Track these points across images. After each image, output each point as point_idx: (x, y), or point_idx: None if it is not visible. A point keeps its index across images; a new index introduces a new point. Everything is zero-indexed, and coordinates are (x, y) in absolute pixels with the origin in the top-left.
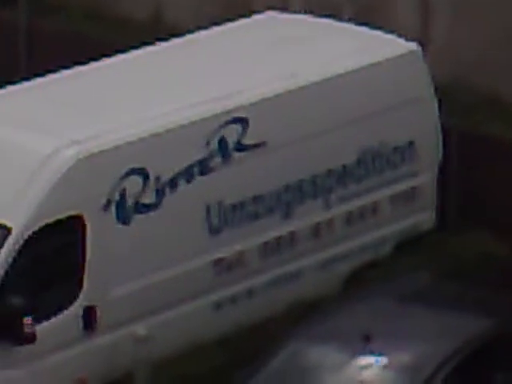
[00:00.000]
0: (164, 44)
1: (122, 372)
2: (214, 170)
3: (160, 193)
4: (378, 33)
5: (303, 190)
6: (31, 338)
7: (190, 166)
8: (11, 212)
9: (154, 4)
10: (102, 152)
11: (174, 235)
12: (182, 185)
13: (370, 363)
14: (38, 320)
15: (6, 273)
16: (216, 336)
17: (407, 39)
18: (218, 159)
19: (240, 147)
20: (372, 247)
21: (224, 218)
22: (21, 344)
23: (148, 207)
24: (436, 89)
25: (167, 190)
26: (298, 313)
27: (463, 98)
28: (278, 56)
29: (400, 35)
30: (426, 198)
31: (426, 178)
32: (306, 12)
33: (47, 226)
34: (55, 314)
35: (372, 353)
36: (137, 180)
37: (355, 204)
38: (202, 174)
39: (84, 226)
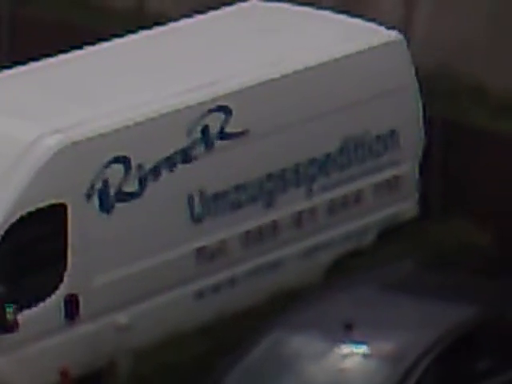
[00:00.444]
0: (147, 32)
1: (104, 360)
2: (197, 159)
3: (142, 181)
4: (361, 21)
5: (286, 178)
6: (14, 326)
7: (173, 155)
8: None
9: None
10: (84, 140)
11: (156, 224)
12: (165, 173)
13: (352, 352)
14: (20, 308)
15: None
16: (198, 324)
17: (390, 28)
18: (200, 148)
19: (222, 136)
20: (355, 236)
21: (206, 206)
22: (3, 332)
23: (130, 196)
24: (419, 77)
25: (150, 178)
26: (281, 301)
27: (446, 87)
28: (261, 44)
29: (383, 24)
30: (409, 187)
31: (408, 167)
32: (289, 0)
33: (29, 214)
34: (37, 302)
35: (354, 341)
36: (119, 168)
37: (338, 193)
38: (184, 162)
39: (66, 215)
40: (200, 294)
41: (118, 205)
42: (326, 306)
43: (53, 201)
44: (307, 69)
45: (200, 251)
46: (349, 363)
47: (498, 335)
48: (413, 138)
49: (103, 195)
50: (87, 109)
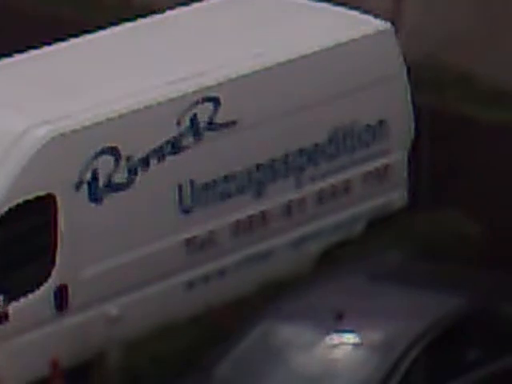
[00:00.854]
0: (135, 23)
1: (94, 351)
2: (186, 149)
3: (132, 172)
4: (350, 12)
5: (275, 168)
6: (3, 318)
7: (162, 145)
8: None
9: None
10: (73, 131)
11: (145, 214)
12: (154, 164)
13: (342, 341)
14: (9, 300)
15: None
16: (188, 315)
17: (379, 18)
18: (189, 138)
19: (211, 126)
20: (344, 226)
21: (195, 197)
22: None
23: (120, 186)
24: (408, 67)
25: (139, 169)
26: (270, 291)
27: (435, 77)
28: (250, 35)
29: (372, 14)
30: (398, 177)
31: (397, 157)
32: None
33: (19, 205)
34: (27, 293)
35: (343, 331)
36: (108, 159)
37: (327, 183)
38: (173, 153)
39: (56, 206)
40: (190, 285)
41: (108, 195)
42: (315, 296)
43: (42, 192)
44: (295, 59)
45: (190, 241)
46: (338, 353)
47: (486, 325)
48: (402, 127)
49: (92, 186)
50: (76, 100)
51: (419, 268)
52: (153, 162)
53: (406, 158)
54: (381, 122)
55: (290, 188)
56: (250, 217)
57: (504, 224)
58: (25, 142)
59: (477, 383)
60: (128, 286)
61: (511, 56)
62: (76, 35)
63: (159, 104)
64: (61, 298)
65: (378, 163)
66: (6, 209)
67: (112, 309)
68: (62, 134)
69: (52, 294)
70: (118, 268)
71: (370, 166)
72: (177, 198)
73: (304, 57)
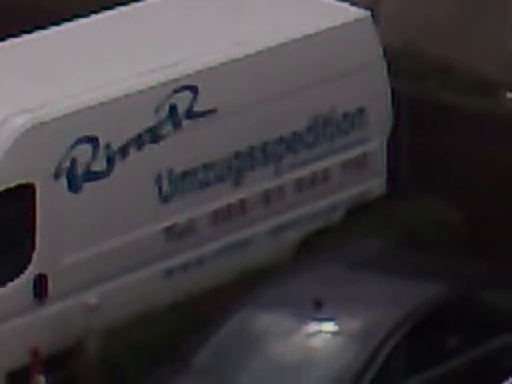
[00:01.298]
0: (114, 12)
1: (73, 340)
2: (165, 138)
3: (110, 161)
4: (329, 0)
5: (254, 157)
6: None
7: (141, 134)
8: None
9: None
10: (52, 120)
11: (124, 203)
12: (133, 152)
13: (321, 329)
14: None
15: None
16: (167, 303)
17: (358, 6)
18: (168, 127)
19: (190, 114)
20: (323, 214)
21: (175, 185)
22: None
23: (98, 175)
24: (387, 55)
25: (118, 157)
26: (249, 280)
27: (414, 65)
28: (229, 23)
29: (351, 2)
30: (377, 165)
31: (376, 145)
32: None
33: None
34: (6, 282)
35: (322, 319)
36: (87, 148)
37: (306, 171)
38: (152, 141)
39: (34, 195)
40: (169, 273)
41: (87, 184)
42: (294, 284)
43: (21, 181)
44: (274, 47)
45: (168, 230)
46: (317, 341)
47: (466, 313)
48: (381, 115)
49: (71, 175)
50: (54, 89)
51: (398, 256)
52: (132, 150)
53: (385, 146)
54: (360, 110)
55: (268, 176)
56: (229, 205)
57: (484, 212)
58: (4, 131)
59: (457, 370)
60: (107, 274)
61: (491, 44)
62: (53, 24)
63: (138, 92)
64: (40, 286)
65: (357, 151)
66: None
67: (91, 297)
68: (41, 123)
69: (31, 283)
70: (97, 257)
71: (349, 154)
72: (156, 186)
73: (282, 45)
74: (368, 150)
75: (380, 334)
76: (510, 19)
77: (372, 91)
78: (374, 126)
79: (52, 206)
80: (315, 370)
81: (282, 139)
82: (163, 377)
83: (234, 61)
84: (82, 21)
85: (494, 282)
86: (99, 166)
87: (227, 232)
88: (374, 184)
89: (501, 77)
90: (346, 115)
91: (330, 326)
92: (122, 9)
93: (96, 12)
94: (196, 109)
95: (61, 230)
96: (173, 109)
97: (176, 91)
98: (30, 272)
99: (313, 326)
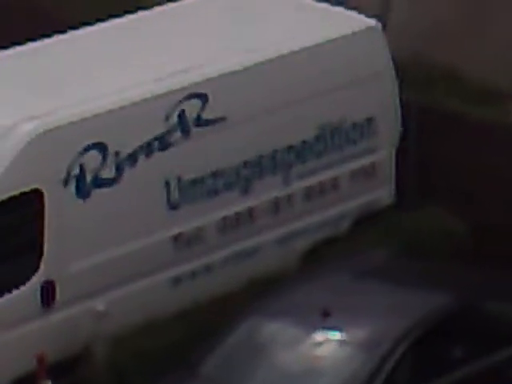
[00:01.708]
0: (123, 19)
1: (80, 347)
2: (174, 145)
3: (119, 168)
4: (338, 9)
5: (262, 165)
6: None
7: (150, 141)
8: None
9: None
10: (61, 127)
11: (133, 210)
12: (142, 160)
13: (328, 339)
14: None
15: None
16: (175, 311)
17: (367, 15)
18: (177, 134)
19: (199, 122)
20: (331, 223)
21: (183, 193)
22: None
23: (107, 182)
24: (395, 64)
25: (126, 164)
26: (257, 288)
27: (422, 74)
28: (240, 31)
29: (360, 11)
30: (385, 174)
31: (385, 154)
32: None
33: (5, 200)
34: (14, 288)
35: (330, 328)
36: (96, 155)
37: (314, 180)
38: (161, 149)
39: (43, 201)
40: (177, 281)
41: (95, 191)
42: (302, 293)
43: (29, 187)
44: (283, 56)
45: (177, 238)
46: (324, 350)
47: (472, 323)
48: (390, 125)
49: (80, 181)
50: (63, 95)
51: (405, 265)
52: (140, 157)
53: (393, 156)
54: (369, 120)
55: (277, 185)
56: (237, 213)
57: (490, 221)
58: (13, 137)
59: (463, 381)
60: (115, 281)
61: (499, 53)
62: (60, 32)
63: (147, 100)
64: (47, 293)
65: (366, 160)
66: None
67: (99, 304)
68: (50, 130)
69: (39, 290)
70: (104, 264)
71: (358, 164)
72: (164, 194)
73: (292, 54)
74: (376, 160)
75: (387, 343)
76: None
77: (381, 101)
78: (382, 135)
79: (60, 212)
80: (322, 379)
81: (290, 148)
82: None
83: (244, 69)
84: (91, 28)
85: (499, 292)
86: (108, 173)
87: (235, 240)
88: (382, 193)
89: (510, 86)
90: (354, 124)
91: (336, 336)
92: (132, 16)
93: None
94: (205, 117)
95: (69, 237)
96: (182, 116)
97: (185, 99)
98: (38, 278)
99: (320, 336)
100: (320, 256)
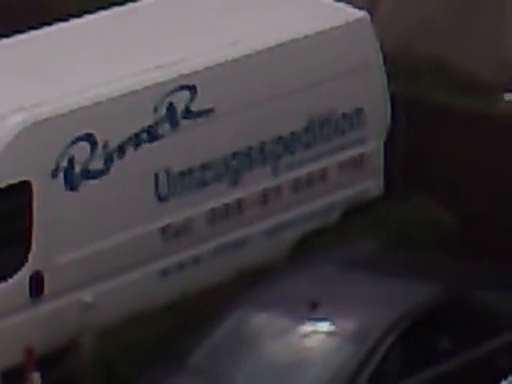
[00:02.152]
0: (112, 11)
1: (68, 339)
2: (162, 137)
3: (108, 159)
4: (327, 0)
5: (251, 156)
6: None
7: (138, 133)
8: None
9: None
10: (50, 118)
11: (121, 202)
12: (130, 151)
13: (316, 330)
14: None
15: None
16: (163, 302)
17: (355, 7)
18: (166, 126)
19: (188, 114)
20: (320, 214)
21: (172, 184)
22: None
23: (96, 173)
24: (384, 56)
25: (115, 156)
26: (246, 279)
27: (410, 66)
28: (227, 23)
29: (349, 3)
30: (374, 165)
31: (373, 145)
32: None
33: None
34: (2, 280)
35: (318, 319)
36: (85, 146)
37: (303, 171)
38: (150, 140)
39: (32, 193)
40: (165, 272)
41: (84, 183)
42: (290, 284)
43: (18, 179)
44: (272, 47)
45: (165, 229)
46: (313, 341)
47: (461, 313)
48: (378, 116)
49: (69, 173)
50: (52, 87)
51: (393, 257)
52: (129, 149)
53: (382, 147)
54: (357, 111)
55: (266, 176)
56: (226, 205)
57: (478, 212)
58: (1, 129)
59: (452, 371)
60: (103, 273)
61: (485, 44)
62: (48, 24)
63: (136, 92)
64: (36, 284)
65: (355, 152)
66: None
67: (87, 296)
68: (39, 121)
69: (27, 281)
70: (93, 255)
71: (347, 155)
72: (153, 185)
73: (280, 45)
74: (365, 151)
75: (375, 334)
76: (505, 19)
77: (370, 92)
78: (371, 126)
79: (49, 204)
80: (310, 370)
81: (279, 139)
82: (158, 376)
83: (232, 61)
84: (79, 20)
85: (488, 282)
86: (97, 164)
87: (224, 232)
88: (371, 184)
89: (496, 77)
90: (343, 116)
91: (325, 327)
92: (119, 8)
93: (96, 9)
94: (194, 108)
95: (57, 228)
96: (170, 108)
97: (174, 91)
98: (26, 270)
99: (308, 327)
100: (309, 247)
